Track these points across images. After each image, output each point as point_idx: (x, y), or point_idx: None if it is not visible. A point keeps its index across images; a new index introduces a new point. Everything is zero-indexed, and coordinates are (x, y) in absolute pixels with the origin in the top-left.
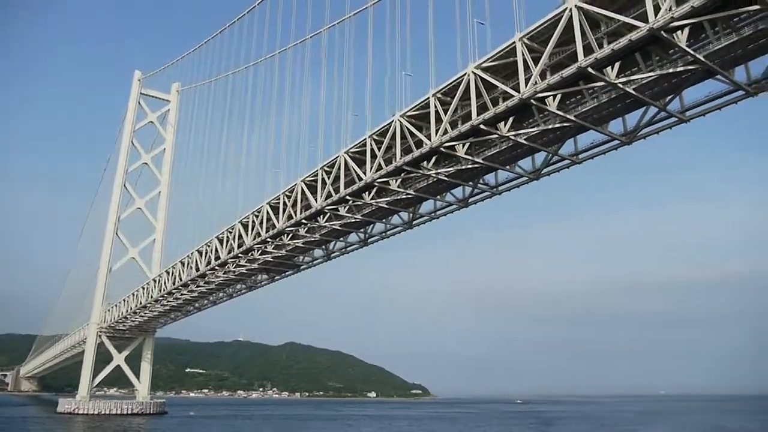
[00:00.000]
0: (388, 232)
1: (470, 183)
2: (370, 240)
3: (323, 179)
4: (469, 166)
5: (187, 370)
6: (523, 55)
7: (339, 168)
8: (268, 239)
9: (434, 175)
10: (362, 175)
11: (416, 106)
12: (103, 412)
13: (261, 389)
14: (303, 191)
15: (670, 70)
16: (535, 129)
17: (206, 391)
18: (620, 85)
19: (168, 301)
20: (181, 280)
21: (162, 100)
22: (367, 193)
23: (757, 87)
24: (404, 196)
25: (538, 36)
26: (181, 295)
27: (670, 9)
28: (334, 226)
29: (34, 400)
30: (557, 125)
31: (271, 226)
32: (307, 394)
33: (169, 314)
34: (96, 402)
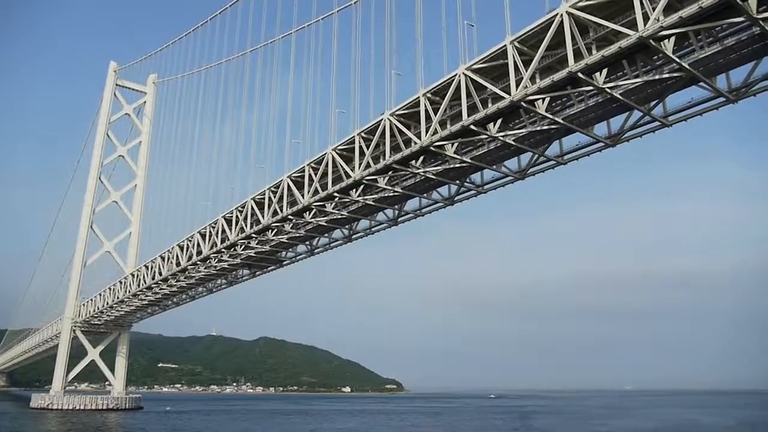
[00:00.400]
0: (373, 229)
1: (457, 182)
2: (354, 236)
3: (310, 176)
4: (457, 165)
5: (160, 364)
6: (513, 58)
7: (327, 165)
8: (253, 234)
9: (422, 174)
10: (351, 172)
11: (406, 105)
12: (77, 408)
13: (234, 384)
14: (289, 187)
15: (656, 77)
16: (523, 130)
17: (179, 386)
18: (608, 90)
19: (146, 296)
20: (161, 274)
21: (138, 92)
22: (354, 190)
23: (737, 94)
24: (391, 194)
25: (528, 39)
26: (161, 289)
27: (659, 19)
28: (320, 222)
29: (4, 395)
30: (545, 127)
31: (256, 221)
32: (281, 389)
33: (147, 309)
34: (70, 397)
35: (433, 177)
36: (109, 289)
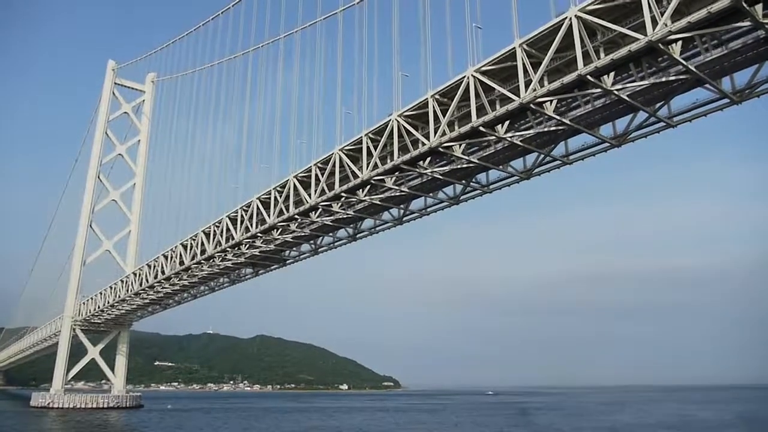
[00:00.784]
0: (378, 228)
1: (463, 182)
2: (359, 235)
3: (317, 175)
4: (464, 166)
5: (156, 363)
6: (522, 60)
7: (334, 165)
8: (258, 234)
9: (429, 174)
10: (358, 172)
11: (414, 106)
12: (78, 406)
13: (232, 382)
14: (295, 186)
15: (663, 79)
16: (530, 131)
17: (176, 384)
18: (615, 92)
19: (148, 294)
20: (164, 273)
21: (137, 91)
22: (361, 189)
23: (741, 96)
24: (398, 194)
25: (536, 42)
26: (163, 288)
27: (667, 24)
28: (325, 222)
29: (2, 394)
30: (552, 128)
31: (261, 220)
32: (278, 387)
33: (148, 307)
34: (71, 396)
35: (440, 177)
36: (110, 287)
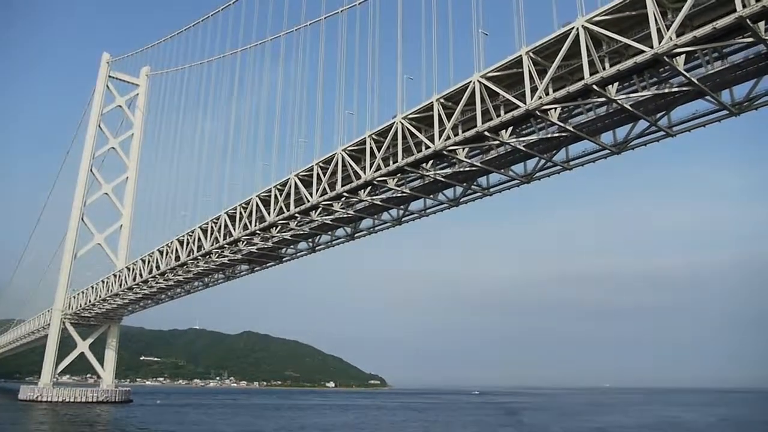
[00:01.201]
0: (376, 228)
1: (464, 184)
2: (357, 235)
3: (318, 175)
4: (466, 169)
5: (142, 357)
6: (529, 67)
7: (336, 164)
8: (257, 231)
9: (432, 176)
10: (361, 172)
11: (419, 109)
12: (67, 400)
13: (218, 378)
14: (296, 185)
15: (666, 91)
16: (533, 137)
17: (162, 379)
18: (619, 102)
19: (141, 289)
20: (158, 268)
21: (131, 84)
22: (363, 190)
23: (739, 108)
24: (399, 194)
25: (542, 50)
26: (156, 283)
27: (672, 38)
28: (325, 221)
29: None
30: (555, 135)
31: (260, 218)
32: (264, 383)
33: (140, 302)
34: (60, 389)
35: (442, 179)
36: (102, 281)
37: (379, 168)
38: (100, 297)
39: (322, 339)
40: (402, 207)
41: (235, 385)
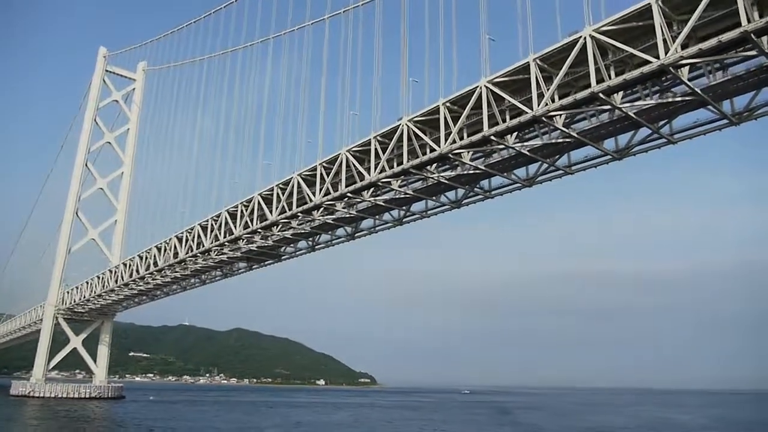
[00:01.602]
0: (377, 228)
1: (467, 186)
2: (357, 234)
3: (322, 175)
4: (470, 172)
5: (131, 353)
6: (536, 74)
7: (340, 165)
8: (259, 230)
9: (436, 178)
10: (366, 173)
11: (425, 112)
12: (59, 396)
13: (208, 375)
14: (299, 185)
15: (670, 100)
16: (538, 142)
17: (151, 375)
18: (624, 110)
19: (137, 286)
20: (156, 265)
21: (127, 79)
22: (366, 190)
23: (740, 118)
24: (402, 196)
25: (549, 57)
26: (153, 280)
27: (678, 50)
28: (327, 220)
29: None
30: (560, 140)
31: (262, 216)
32: (255, 380)
33: (135, 298)
34: (52, 385)
35: (445, 181)
36: (98, 277)
37: (384, 169)
38: (95, 293)
39: (312, 337)
40: (404, 208)
41: (225, 382)
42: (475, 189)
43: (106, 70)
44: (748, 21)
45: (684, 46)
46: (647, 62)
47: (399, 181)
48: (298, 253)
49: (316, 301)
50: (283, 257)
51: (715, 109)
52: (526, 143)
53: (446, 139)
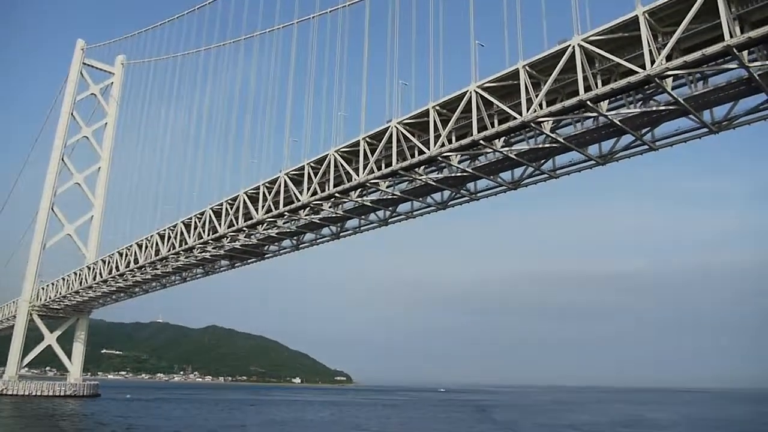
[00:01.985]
0: (362, 228)
1: (453, 188)
2: (342, 234)
3: (309, 175)
4: (458, 174)
5: (103, 351)
6: (525, 80)
7: (328, 165)
8: (244, 228)
9: (424, 180)
10: (354, 174)
11: (414, 114)
12: (33, 393)
13: (182, 372)
14: (286, 184)
15: (654, 109)
16: (525, 146)
17: (124, 373)
18: (610, 117)
19: (117, 282)
20: (137, 262)
21: (105, 72)
22: (354, 191)
23: (719, 127)
24: (389, 197)
25: (537, 64)
26: (133, 277)
27: (663, 62)
28: (313, 220)
29: None
30: (546, 145)
31: (247, 215)
32: (230, 378)
33: (112, 295)
34: (26, 383)
35: (433, 183)
36: (75, 273)
37: (372, 170)
38: (72, 289)
39: (288, 335)
40: (390, 208)
41: (200, 379)
42: (462, 191)
43: (84, 63)
44: (731, 36)
45: (668, 57)
46: (633, 72)
47: (387, 182)
48: (282, 251)
49: (292, 299)
50: (266, 255)
51: (696, 118)
52: (513, 147)
53: (435, 142)
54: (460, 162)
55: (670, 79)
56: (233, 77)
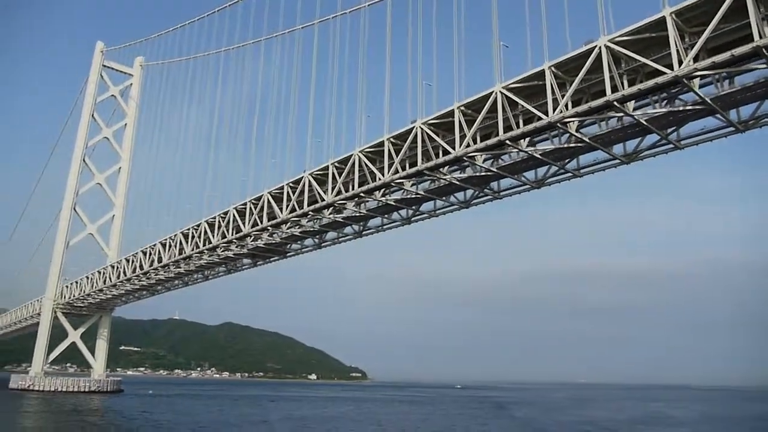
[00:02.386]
0: (385, 227)
1: (477, 187)
2: (365, 233)
3: (333, 174)
4: (482, 174)
5: (122, 347)
6: (551, 81)
7: (353, 165)
8: (268, 227)
9: (448, 179)
10: (379, 174)
11: (439, 115)
12: (59, 390)
13: (199, 369)
14: (310, 184)
15: (681, 108)
16: (550, 146)
17: (142, 369)
18: (636, 117)
19: (140, 281)
20: (160, 261)
21: (124, 74)
22: (378, 190)
23: (746, 126)
24: (413, 196)
25: (563, 65)
26: (156, 275)
27: (691, 63)
28: (336, 219)
29: None
30: (572, 145)
31: (271, 215)
32: (246, 374)
33: (135, 293)
34: (52, 379)
35: (457, 182)
36: (99, 272)
37: (398, 170)
38: (96, 287)
39: (303, 331)
40: (413, 207)
41: (217, 376)
42: (485, 190)
43: (104, 65)
44: (760, 36)
45: (695, 58)
46: (659, 72)
47: (411, 181)
48: (304, 250)
49: (307, 297)
50: (288, 254)
51: (722, 117)
52: (537, 147)
53: (461, 142)
54: (484, 161)
55: (697, 79)
56: (254, 78)
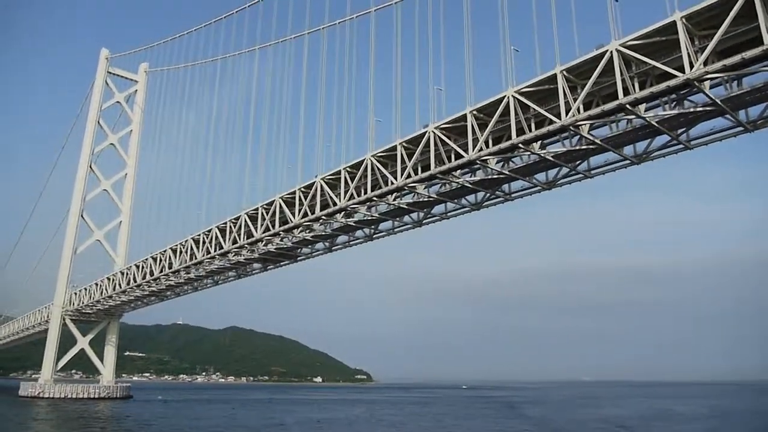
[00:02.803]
0: (396, 230)
1: (489, 190)
2: (375, 236)
3: (345, 179)
4: (494, 176)
5: (126, 353)
6: (562, 85)
7: (366, 169)
8: (280, 232)
9: (461, 183)
10: (392, 178)
11: (451, 119)
12: (68, 396)
13: (204, 373)
14: (322, 188)
15: (691, 110)
16: (562, 148)
17: (147, 374)
18: (648, 119)
19: (150, 287)
20: (171, 267)
21: (129, 80)
22: (391, 194)
23: (755, 125)
24: (425, 199)
25: (574, 69)
26: (166, 281)
27: (702, 66)
28: (348, 223)
29: None
30: (583, 147)
31: (283, 219)
32: (251, 378)
33: (144, 299)
34: (61, 386)
35: (469, 185)
36: (108, 278)
37: (410, 174)
38: (105, 294)
39: (307, 335)
40: (425, 210)
41: (222, 380)
42: (497, 192)
43: (108, 72)
44: None
45: (705, 61)
46: (670, 75)
47: (423, 184)
48: (314, 254)
49: (310, 300)
50: (299, 258)
51: (732, 118)
52: (549, 150)
53: (474, 146)
54: (495, 164)
55: (708, 81)
56: (262, 83)
